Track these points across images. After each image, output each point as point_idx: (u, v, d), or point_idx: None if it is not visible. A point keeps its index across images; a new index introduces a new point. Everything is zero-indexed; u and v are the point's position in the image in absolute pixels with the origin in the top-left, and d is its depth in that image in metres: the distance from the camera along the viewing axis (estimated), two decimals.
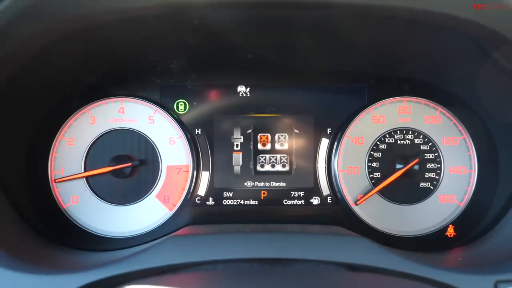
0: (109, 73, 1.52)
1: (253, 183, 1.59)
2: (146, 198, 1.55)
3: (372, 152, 1.58)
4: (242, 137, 1.60)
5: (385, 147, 1.58)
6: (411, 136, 1.58)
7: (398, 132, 1.58)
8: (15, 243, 1.22)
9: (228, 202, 1.59)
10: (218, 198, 1.59)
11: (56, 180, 1.53)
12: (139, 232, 1.53)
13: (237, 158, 1.60)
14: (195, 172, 1.56)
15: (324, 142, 1.59)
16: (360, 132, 1.58)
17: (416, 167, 1.54)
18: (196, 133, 1.59)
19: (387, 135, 1.58)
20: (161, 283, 0.95)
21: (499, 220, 1.42)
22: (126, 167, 1.52)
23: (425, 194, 1.57)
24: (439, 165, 1.57)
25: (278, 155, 1.60)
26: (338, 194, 1.57)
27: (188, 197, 1.56)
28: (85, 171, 1.54)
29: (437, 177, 1.57)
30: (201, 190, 1.58)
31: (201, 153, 1.58)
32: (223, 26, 1.16)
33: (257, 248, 1.07)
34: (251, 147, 1.60)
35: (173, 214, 1.55)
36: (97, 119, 1.56)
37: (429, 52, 1.36)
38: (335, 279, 1.00)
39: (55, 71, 1.34)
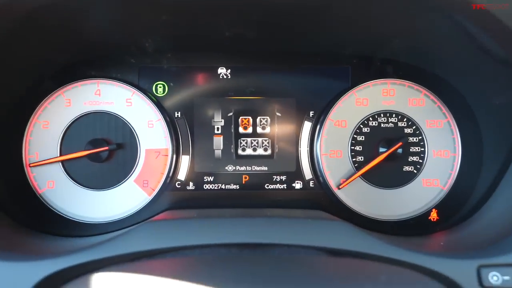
0: (81, 52, 1.48)
1: (234, 167, 1.57)
2: (124, 183, 1.51)
3: (355, 136, 1.55)
4: (223, 120, 1.57)
5: (369, 130, 1.55)
6: (395, 119, 1.55)
7: (382, 115, 1.56)
8: None
9: (209, 186, 1.56)
10: (199, 183, 1.56)
11: (31, 165, 1.49)
12: (117, 218, 1.50)
13: (218, 141, 1.57)
14: (174, 156, 1.53)
15: (307, 126, 1.56)
16: (343, 115, 1.55)
17: (400, 150, 1.52)
18: (176, 116, 1.55)
19: (371, 118, 1.55)
20: (137, 269, 0.94)
21: (483, 204, 1.41)
22: (103, 151, 1.48)
23: (409, 178, 1.55)
24: (422, 149, 1.55)
25: (260, 139, 1.57)
26: (321, 178, 1.55)
27: (168, 181, 1.53)
28: (60, 155, 1.50)
29: (420, 160, 1.55)
30: (181, 175, 1.55)
31: (180, 136, 1.55)
32: (196, 3, 1.12)
33: (236, 233, 1.05)
34: (232, 130, 1.57)
35: (152, 199, 1.52)
36: (73, 102, 1.51)
37: (413, 32, 1.33)
38: (316, 264, 0.98)
39: (25, 51, 1.30)
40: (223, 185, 1.56)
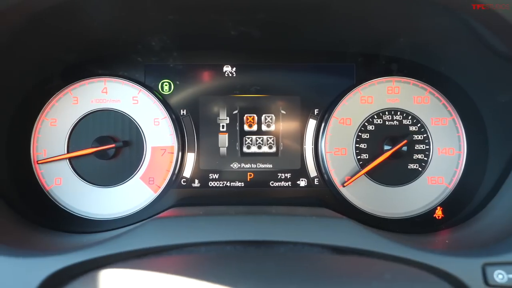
0: (88, 51, 1.49)
1: (239, 165, 1.57)
2: (130, 180, 1.53)
3: (360, 133, 1.55)
4: (228, 118, 1.57)
5: (373, 128, 1.56)
6: (400, 117, 1.55)
7: (387, 112, 1.56)
8: None
9: (214, 184, 1.57)
10: (204, 180, 1.56)
11: (39, 162, 1.50)
12: (123, 214, 1.52)
13: (223, 139, 1.57)
14: (180, 154, 1.53)
15: (312, 123, 1.57)
16: (348, 113, 1.56)
17: (405, 148, 1.52)
18: (181, 113, 1.56)
19: (375, 116, 1.56)
20: (143, 265, 0.94)
21: (488, 202, 1.40)
22: (109, 148, 1.50)
23: (413, 175, 1.55)
24: (427, 146, 1.55)
25: (265, 137, 1.58)
26: (325, 175, 1.55)
27: (173, 178, 1.54)
28: (68, 152, 1.51)
29: (425, 158, 1.55)
30: (187, 172, 1.56)
31: (186, 134, 1.55)
32: (202, 2, 1.12)
33: (241, 230, 1.05)
34: (237, 128, 1.58)
35: (157, 196, 1.53)
36: (80, 100, 1.53)
37: (417, 30, 1.33)
38: (320, 262, 0.99)
39: (32, 50, 1.31)
40: (228, 182, 1.57)
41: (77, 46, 1.42)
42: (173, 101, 1.56)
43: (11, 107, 1.44)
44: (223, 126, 1.57)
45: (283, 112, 1.57)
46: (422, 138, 1.55)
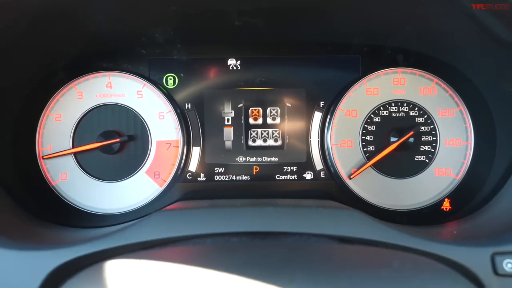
0: (92, 45, 1.48)
1: (245, 158, 1.57)
2: (135, 174, 1.52)
3: (366, 125, 1.54)
4: (233, 111, 1.57)
5: (379, 120, 1.54)
6: (406, 108, 1.54)
7: (393, 104, 1.54)
8: (2, 220, 1.20)
9: (219, 177, 1.56)
10: (210, 174, 1.56)
11: (44, 157, 1.50)
12: (128, 209, 1.51)
13: (228, 133, 1.57)
14: (185, 148, 1.53)
15: (317, 116, 1.56)
16: (354, 104, 1.54)
17: (411, 140, 1.51)
18: (186, 107, 1.55)
19: (382, 108, 1.54)
20: (149, 257, 0.93)
21: (496, 193, 1.39)
22: (114, 143, 1.49)
23: (421, 167, 1.54)
24: (434, 138, 1.54)
25: (270, 130, 1.57)
26: (332, 168, 1.54)
27: (179, 173, 1.53)
28: (73, 147, 1.51)
29: (432, 150, 1.54)
30: (192, 166, 1.55)
31: (191, 128, 1.55)
32: None
33: (247, 221, 1.05)
34: (243, 121, 1.57)
35: (163, 190, 1.53)
36: (85, 94, 1.52)
37: (423, 20, 1.32)
38: (327, 252, 0.98)
39: (36, 45, 1.31)
40: (234, 176, 1.57)
41: (81, 40, 1.42)
42: (177, 95, 1.55)
43: (16, 103, 1.44)
44: (228, 120, 1.57)
45: (288, 105, 1.57)
46: (429, 129, 1.54)
